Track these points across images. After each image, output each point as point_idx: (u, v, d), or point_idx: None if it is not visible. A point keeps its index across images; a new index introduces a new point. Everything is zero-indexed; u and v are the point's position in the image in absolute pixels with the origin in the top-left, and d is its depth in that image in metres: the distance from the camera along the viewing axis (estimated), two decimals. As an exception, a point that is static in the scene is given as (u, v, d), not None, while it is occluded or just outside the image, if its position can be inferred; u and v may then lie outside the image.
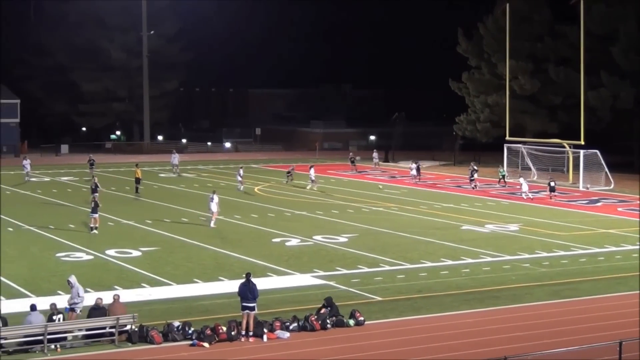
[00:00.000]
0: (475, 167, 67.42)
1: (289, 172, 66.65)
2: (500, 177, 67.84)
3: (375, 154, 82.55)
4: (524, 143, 74.07)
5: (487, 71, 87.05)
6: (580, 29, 66.92)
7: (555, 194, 58.95)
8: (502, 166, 70.80)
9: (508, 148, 74.25)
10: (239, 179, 62.06)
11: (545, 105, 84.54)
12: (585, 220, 49.10)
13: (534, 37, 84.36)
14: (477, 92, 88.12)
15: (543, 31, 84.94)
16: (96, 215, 43.76)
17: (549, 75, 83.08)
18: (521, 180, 60.90)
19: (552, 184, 59.48)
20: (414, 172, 69.23)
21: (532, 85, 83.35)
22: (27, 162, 69.05)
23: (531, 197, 58.53)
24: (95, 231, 43.26)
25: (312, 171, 63.56)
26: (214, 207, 45.71)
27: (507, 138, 74.15)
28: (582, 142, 66.13)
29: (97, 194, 49.76)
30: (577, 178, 67.17)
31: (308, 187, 62.73)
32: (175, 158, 75.17)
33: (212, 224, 45.11)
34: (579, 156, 67.01)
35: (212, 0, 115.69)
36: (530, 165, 73.54)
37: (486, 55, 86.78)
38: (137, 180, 59.96)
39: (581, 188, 65.45)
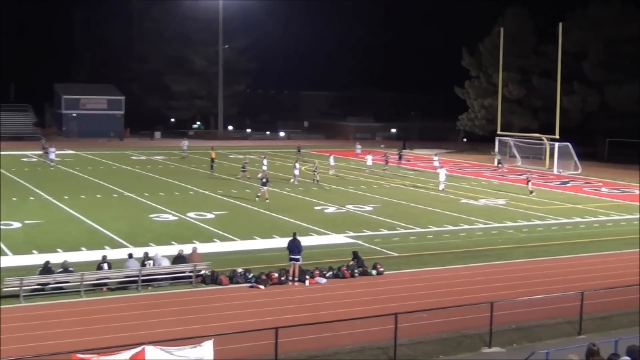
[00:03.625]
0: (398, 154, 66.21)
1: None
2: (497, 161, 68.17)
3: (358, 145, 78.27)
4: (511, 136, 73.65)
5: (484, 80, 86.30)
6: (559, 48, 66.16)
7: (529, 187, 49.52)
8: (496, 153, 70.64)
9: (499, 140, 73.83)
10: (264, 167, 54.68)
11: (529, 107, 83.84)
12: (558, 197, 48.69)
13: (522, 54, 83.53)
14: (476, 96, 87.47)
15: (529, 50, 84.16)
16: (265, 189, 43.87)
17: (532, 84, 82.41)
18: (440, 171, 52.31)
19: (527, 177, 51.86)
20: (369, 162, 60.82)
21: (519, 92, 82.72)
22: (52, 150, 61.40)
23: (442, 189, 49.77)
24: (257, 199, 43.27)
25: (331, 158, 60.33)
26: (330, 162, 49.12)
27: (498, 132, 73.60)
28: (557, 136, 65.58)
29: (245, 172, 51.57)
30: (552, 164, 66.62)
31: (331, 173, 57.75)
32: (185, 144, 72.57)
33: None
34: (554, 147, 66.56)
35: (274, 22, 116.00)
36: (516, 153, 72.99)
37: (484, 67, 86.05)
38: (212, 160, 60.25)
39: (555, 172, 64.87)
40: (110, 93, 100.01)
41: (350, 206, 42.39)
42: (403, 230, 35.53)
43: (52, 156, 61.00)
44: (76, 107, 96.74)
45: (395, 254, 30.38)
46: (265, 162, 56.19)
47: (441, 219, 39.03)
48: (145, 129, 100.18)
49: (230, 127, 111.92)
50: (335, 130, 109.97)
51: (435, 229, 36.19)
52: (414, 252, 30.94)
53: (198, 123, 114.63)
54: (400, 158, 67.13)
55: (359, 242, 32.53)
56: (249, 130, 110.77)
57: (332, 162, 60.18)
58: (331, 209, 41.34)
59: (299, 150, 74.59)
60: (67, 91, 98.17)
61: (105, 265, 24.69)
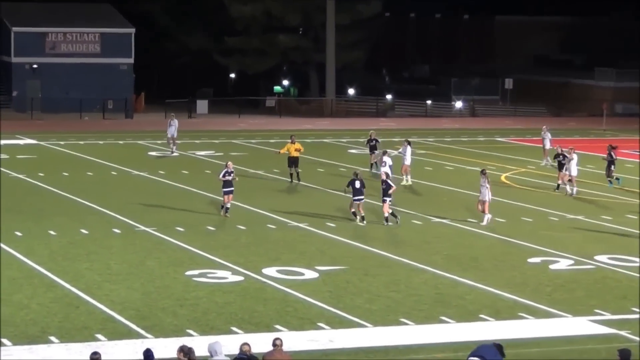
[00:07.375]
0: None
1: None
2: None
3: (546, 131, 70.86)
4: None
5: None
6: None
7: None
8: None
9: None
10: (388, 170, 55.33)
11: None
12: None
13: None
14: None
15: None
16: (389, 200, 47.09)
17: None
18: None
19: None
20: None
21: None
22: None
23: None
24: (389, 222, 47.18)
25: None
26: (574, 170, 52.38)
27: None
28: None
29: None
30: None
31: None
32: (173, 127, 71.99)
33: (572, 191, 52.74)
34: None
35: None
36: None
37: None
38: (293, 161, 60.10)
39: None
40: (108, 22, 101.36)
41: (603, 257, 41.92)
42: None
43: None
44: (39, 52, 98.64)
45: None
46: (387, 159, 56.67)
47: None
48: (177, 96, 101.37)
49: (350, 92, 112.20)
50: (569, 96, 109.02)
51: None
52: None
53: (285, 83, 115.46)
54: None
55: (623, 333, 32.04)
56: (389, 97, 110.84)
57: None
58: (563, 263, 41.03)
59: (371, 144, 66.40)
60: (19, 19, 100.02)
61: (98, 373, 25.10)
